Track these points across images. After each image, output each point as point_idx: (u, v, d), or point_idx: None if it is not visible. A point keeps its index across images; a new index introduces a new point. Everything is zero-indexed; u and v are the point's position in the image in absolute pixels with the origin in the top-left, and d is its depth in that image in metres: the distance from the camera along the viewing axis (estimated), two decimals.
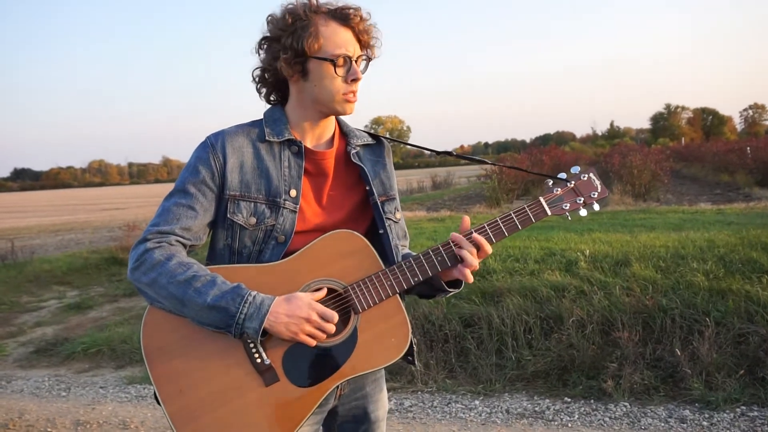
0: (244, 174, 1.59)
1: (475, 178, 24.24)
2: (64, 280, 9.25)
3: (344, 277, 1.59)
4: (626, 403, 3.80)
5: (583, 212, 1.70)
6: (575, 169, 1.73)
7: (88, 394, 4.77)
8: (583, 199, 1.70)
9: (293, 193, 1.60)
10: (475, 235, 1.60)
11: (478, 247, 1.60)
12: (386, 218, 1.70)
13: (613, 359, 4.12)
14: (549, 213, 1.67)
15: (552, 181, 1.72)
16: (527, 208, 1.66)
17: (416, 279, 1.61)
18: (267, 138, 1.62)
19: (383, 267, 1.61)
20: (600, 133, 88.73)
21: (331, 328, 1.51)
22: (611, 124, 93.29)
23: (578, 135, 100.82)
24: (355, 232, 1.62)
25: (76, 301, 7.82)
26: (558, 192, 1.70)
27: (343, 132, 1.74)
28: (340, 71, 1.56)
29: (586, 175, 1.72)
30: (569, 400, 3.95)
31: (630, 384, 3.93)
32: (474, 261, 1.59)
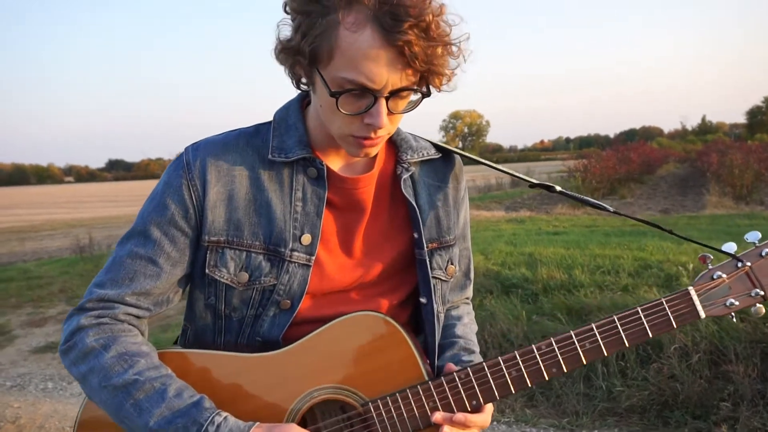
0: (233, 210, 1.10)
1: (556, 174, 23.30)
2: None
3: (365, 388, 1.09)
4: None
5: (761, 309, 1.10)
6: (754, 236, 1.10)
7: None
8: (763, 292, 1.09)
9: (306, 239, 1.11)
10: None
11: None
12: (433, 277, 1.18)
13: (725, 397, 3.51)
14: (703, 315, 1.08)
15: (710, 258, 1.11)
16: (666, 304, 1.08)
17: (474, 402, 1.11)
18: (271, 156, 1.11)
19: (425, 377, 1.10)
20: (690, 128, 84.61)
21: None
22: (703, 119, 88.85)
23: (666, 130, 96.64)
24: (387, 318, 1.11)
25: None
26: (723, 279, 1.09)
27: (393, 142, 1.20)
28: (346, 107, 0.98)
29: None
30: None
31: (748, 429, 3.32)
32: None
